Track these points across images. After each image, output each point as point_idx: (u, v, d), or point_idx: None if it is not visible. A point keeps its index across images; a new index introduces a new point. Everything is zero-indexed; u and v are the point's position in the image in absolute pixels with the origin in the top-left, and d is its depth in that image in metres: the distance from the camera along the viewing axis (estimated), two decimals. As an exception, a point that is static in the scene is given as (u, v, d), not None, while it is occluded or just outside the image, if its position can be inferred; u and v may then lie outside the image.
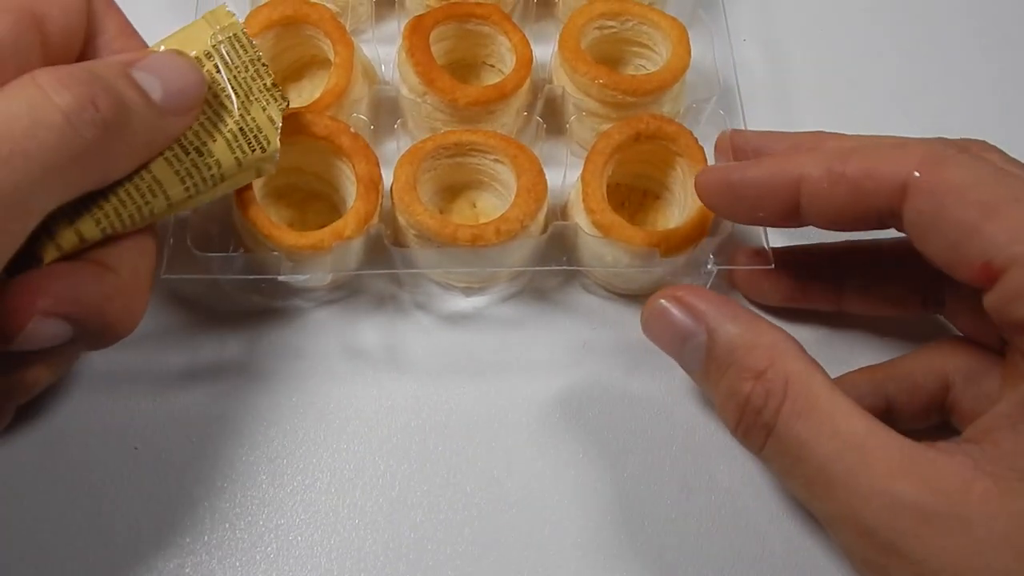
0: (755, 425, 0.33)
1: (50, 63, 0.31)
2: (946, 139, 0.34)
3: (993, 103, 0.51)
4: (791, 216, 0.37)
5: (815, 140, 0.41)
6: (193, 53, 0.35)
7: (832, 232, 0.40)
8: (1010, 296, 0.31)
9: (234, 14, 0.36)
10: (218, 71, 0.35)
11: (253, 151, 0.36)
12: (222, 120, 0.35)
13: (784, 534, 0.38)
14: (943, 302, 0.39)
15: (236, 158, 0.35)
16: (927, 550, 0.29)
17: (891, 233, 0.37)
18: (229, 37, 0.36)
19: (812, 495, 0.32)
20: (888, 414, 0.38)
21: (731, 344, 0.34)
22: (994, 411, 0.32)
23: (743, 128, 0.45)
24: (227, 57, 0.35)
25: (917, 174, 0.33)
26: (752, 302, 0.43)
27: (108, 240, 0.33)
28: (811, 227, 0.40)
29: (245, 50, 0.36)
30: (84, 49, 0.34)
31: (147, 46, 0.35)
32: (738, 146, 0.42)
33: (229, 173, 0.36)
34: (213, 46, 0.35)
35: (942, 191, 0.32)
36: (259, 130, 0.36)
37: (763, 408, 0.33)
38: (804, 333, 0.42)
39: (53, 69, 0.29)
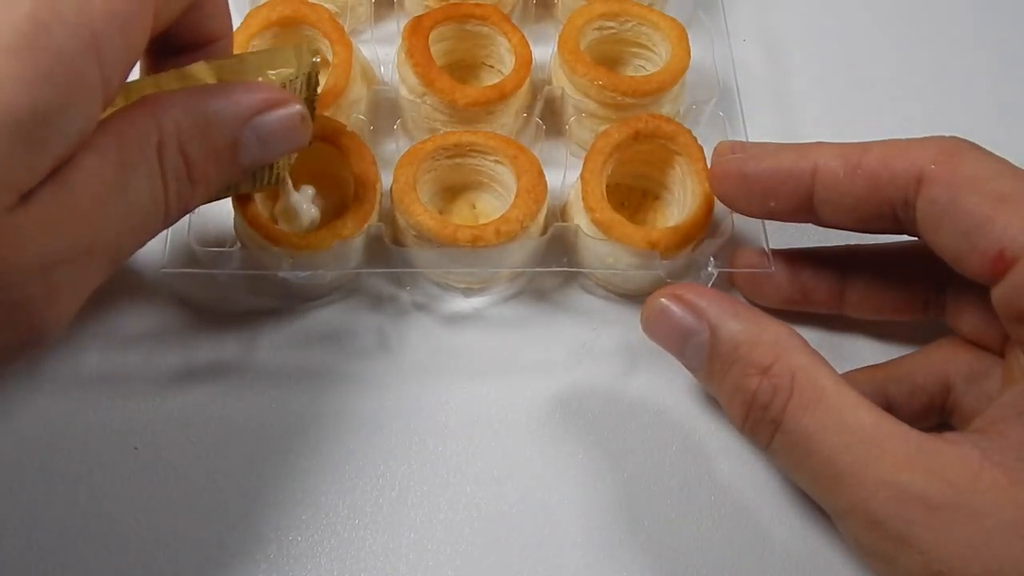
0: (762, 421, 0.33)
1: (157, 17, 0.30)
2: (958, 137, 0.35)
3: (993, 103, 0.51)
4: (803, 208, 0.37)
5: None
6: (272, 74, 0.35)
7: (833, 235, 0.40)
8: (1021, 286, 0.31)
9: (316, 53, 0.36)
10: None
11: (267, 183, 0.37)
12: None
13: (785, 533, 0.38)
14: (944, 306, 0.39)
15: (252, 185, 0.37)
16: (935, 540, 0.29)
17: (894, 238, 0.38)
18: (303, 74, 0.35)
19: (821, 488, 0.32)
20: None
21: (735, 341, 0.34)
22: (1001, 401, 0.32)
23: (743, 128, 0.46)
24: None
25: (933, 166, 0.33)
26: (753, 303, 0.43)
27: None
28: (811, 229, 0.40)
29: (307, 89, 0.36)
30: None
31: (231, 27, 0.36)
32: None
33: (243, 190, 0.38)
34: (289, 81, 0.35)
35: (958, 182, 0.33)
36: (281, 168, 0.37)
37: (770, 404, 0.33)
38: (804, 333, 0.41)
39: (180, 157, 0.30)
